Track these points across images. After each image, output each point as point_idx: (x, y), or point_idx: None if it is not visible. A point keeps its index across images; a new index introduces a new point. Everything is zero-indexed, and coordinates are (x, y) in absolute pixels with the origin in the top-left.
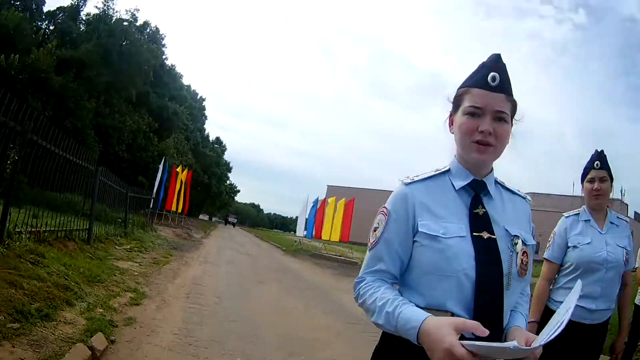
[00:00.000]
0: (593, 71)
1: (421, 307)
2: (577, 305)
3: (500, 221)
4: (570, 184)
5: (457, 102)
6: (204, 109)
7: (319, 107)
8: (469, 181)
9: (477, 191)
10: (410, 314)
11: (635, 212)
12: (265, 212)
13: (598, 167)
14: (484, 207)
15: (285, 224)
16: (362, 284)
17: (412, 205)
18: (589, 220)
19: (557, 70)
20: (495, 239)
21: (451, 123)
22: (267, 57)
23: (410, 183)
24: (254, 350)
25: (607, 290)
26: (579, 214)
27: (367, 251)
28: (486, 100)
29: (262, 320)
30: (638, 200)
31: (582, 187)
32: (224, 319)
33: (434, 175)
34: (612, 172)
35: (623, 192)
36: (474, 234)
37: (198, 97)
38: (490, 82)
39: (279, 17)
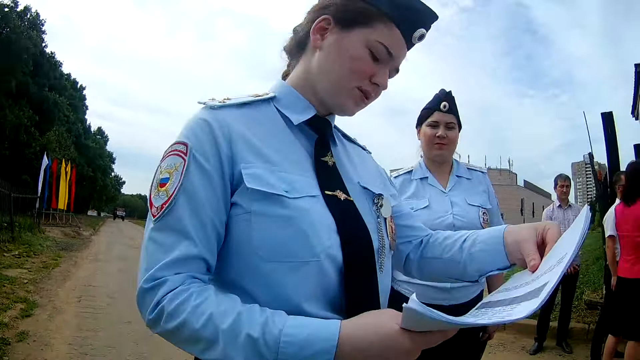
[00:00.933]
0: (478, 51)
1: None
2: (428, 286)
3: (352, 176)
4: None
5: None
6: (84, 98)
7: (201, 91)
8: (310, 116)
9: (320, 132)
10: (303, 329)
11: (524, 180)
12: None
13: (446, 109)
14: (332, 156)
15: None
16: (164, 295)
17: (226, 140)
18: (426, 177)
19: (441, 50)
20: (352, 201)
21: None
22: (147, 41)
23: (221, 107)
24: (152, 354)
25: None
26: (410, 171)
27: (151, 225)
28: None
29: None
30: (525, 169)
31: (418, 132)
32: (119, 321)
33: (254, 102)
34: (460, 119)
35: (511, 162)
36: (326, 192)
37: (78, 85)
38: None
39: None
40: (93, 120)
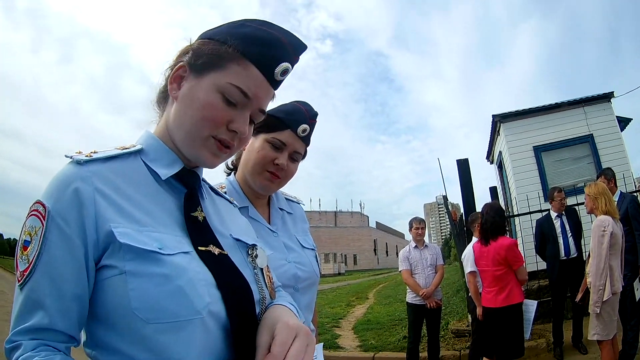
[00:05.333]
0: (332, 97)
1: None
2: None
3: (223, 229)
4: (307, 200)
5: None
6: None
7: (55, 120)
8: (177, 170)
9: (188, 186)
10: None
11: (376, 221)
12: (4, 237)
13: (304, 134)
14: (202, 210)
15: None
16: (15, 356)
17: (90, 199)
18: (246, 207)
19: (295, 95)
20: (227, 254)
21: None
22: (10, 54)
23: (88, 161)
24: None
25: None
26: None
27: (17, 289)
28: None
29: None
30: (377, 210)
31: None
32: None
33: (122, 155)
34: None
35: (362, 205)
36: (200, 248)
37: None
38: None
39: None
40: None
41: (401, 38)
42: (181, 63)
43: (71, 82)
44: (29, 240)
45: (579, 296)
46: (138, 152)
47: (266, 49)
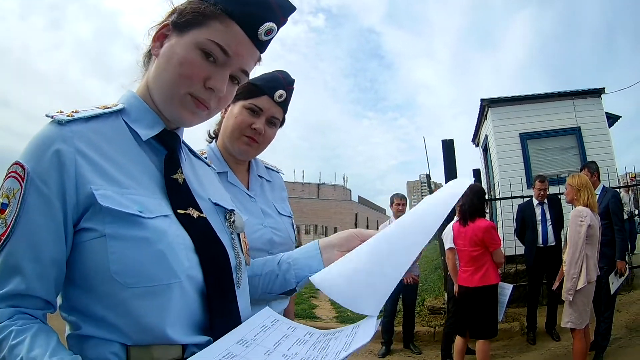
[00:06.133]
0: (322, 70)
1: (122, 346)
2: None
3: (202, 193)
4: (291, 171)
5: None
6: None
7: (43, 87)
8: (159, 131)
9: (169, 148)
10: None
11: (358, 196)
12: None
13: (281, 99)
14: (182, 172)
15: None
16: None
17: (71, 160)
18: (226, 172)
19: (284, 66)
20: (206, 218)
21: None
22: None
23: (68, 121)
24: None
25: None
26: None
27: None
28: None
29: None
30: (361, 185)
31: (226, 112)
32: None
33: (103, 114)
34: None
35: (345, 178)
36: (179, 211)
37: None
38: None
39: None
40: None
41: (395, 15)
42: (165, 22)
43: (59, 47)
44: (7, 202)
45: (556, 284)
46: (119, 112)
47: (251, 7)
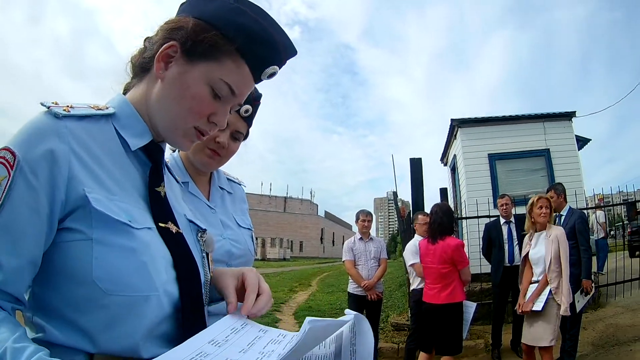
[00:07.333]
0: (293, 83)
1: (86, 355)
2: None
3: (178, 207)
4: (258, 183)
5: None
6: None
7: (17, 82)
8: (147, 142)
9: (154, 160)
10: None
11: (325, 211)
12: None
13: (247, 114)
14: (164, 186)
15: None
16: None
17: (65, 159)
18: (187, 182)
19: None
20: (182, 233)
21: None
22: None
23: (65, 116)
24: None
25: None
26: None
27: None
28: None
29: None
30: (328, 200)
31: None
32: None
33: (95, 116)
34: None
35: (313, 193)
36: (160, 224)
37: None
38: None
39: None
40: None
41: (372, 33)
42: (172, 43)
43: (37, 43)
44: None
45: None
46: (110, 116)
47: (261, 49)
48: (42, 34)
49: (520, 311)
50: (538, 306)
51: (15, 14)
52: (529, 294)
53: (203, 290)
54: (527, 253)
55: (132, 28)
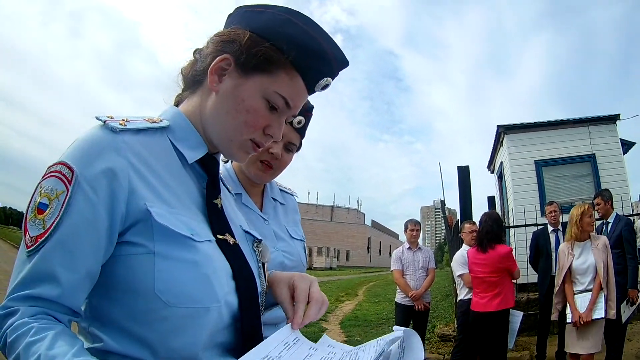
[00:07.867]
0: (338, 91)
1: None
2: None
3: (234, 218)
4: (305, 192)
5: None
6: None
7: (59, 94)
8: (203, 154)
9: (210, 172)
10: None
11: (372, 220)
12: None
13: (299, 125)
14: (221, 198)
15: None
16: (10, 321)
17: (125, 173)
18: (240, 194)
19: None
20: (238, 244)
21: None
22: (21, 27)
23: (124, 130)
24: None
25: None
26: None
27: (24, 252)
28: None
29: None
30: (374, 209)
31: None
32: None
33: (150, 129)
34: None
35: (359, 202)
36: (219, 236)
37: None
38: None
39: None
40: None
41: (413, 39)
42: (225, 55)
43: (78, 56)
44: (47, 203)
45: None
46: (165, 129)
47: (315, 62)
48: (84, 46)
49: (581, 322)
50: (600, 314)
51: (56, 28)
52: (578, 303)
53: (260, 300)
54: (571, 264)
55: (173, 40)
